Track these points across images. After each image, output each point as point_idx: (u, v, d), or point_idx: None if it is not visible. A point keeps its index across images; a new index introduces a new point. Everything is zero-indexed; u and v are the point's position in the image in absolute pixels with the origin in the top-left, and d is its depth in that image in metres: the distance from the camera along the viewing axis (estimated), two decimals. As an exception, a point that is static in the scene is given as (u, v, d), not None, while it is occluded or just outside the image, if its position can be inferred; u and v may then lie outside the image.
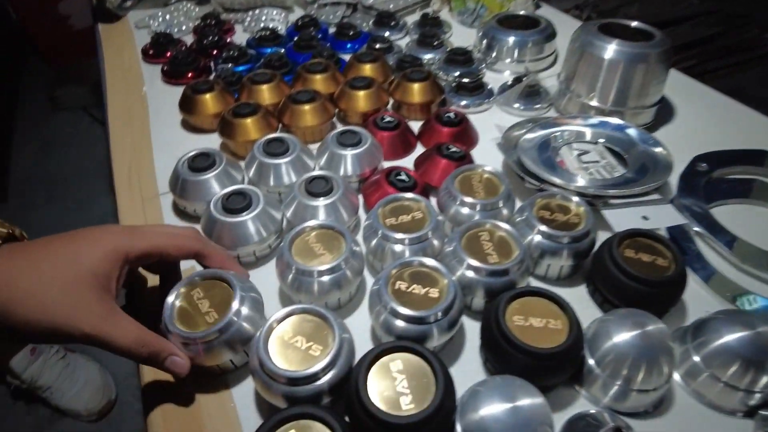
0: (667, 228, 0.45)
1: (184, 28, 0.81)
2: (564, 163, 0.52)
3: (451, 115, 0.56)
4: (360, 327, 0.39)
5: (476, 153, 0.56)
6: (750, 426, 0.34)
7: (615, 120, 0.54)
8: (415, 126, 0.59)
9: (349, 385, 0.31)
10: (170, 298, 0.35)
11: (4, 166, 1.91)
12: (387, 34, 0.77)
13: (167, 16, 0.83)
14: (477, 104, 0.61)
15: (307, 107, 0.55)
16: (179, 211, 0.49)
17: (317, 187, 0.44)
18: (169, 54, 0.72)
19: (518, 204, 0.47)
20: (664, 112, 0.61)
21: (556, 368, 0.33)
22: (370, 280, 0.43)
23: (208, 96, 0.57)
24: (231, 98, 0.60)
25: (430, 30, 0.72)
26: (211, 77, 0.69)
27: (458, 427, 0.30)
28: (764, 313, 0.39)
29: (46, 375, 1.09)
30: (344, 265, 0.38)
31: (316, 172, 0.46)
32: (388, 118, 0.55)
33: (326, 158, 0.50)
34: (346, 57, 0.72)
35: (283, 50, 0.70)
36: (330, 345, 0.32)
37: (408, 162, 0.55)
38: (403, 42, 0.76)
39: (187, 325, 0.34)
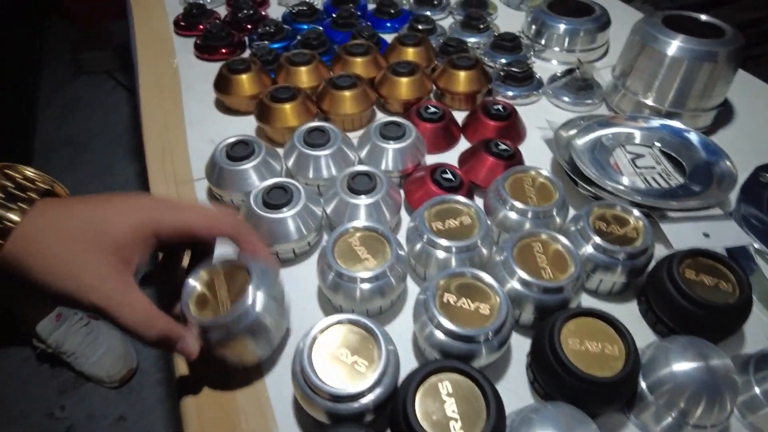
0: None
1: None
2: (618, 166, 0.49)
3: (500, 107, 0.53)
4: (402, 334, 0.37)
5: (523, 149, 0.53)
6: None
7: (675, 123, 0.51)
8: (459, 116, 0.57)
9: (395, 404, 0.30)
10: (190, 281, 0.33)
11: (29, 130, 1.92)
12: (429, 13, 0.73)
13: (199, -15, 0.79)
14: (525, 95, 0.58)
15: (347, 94, 0.52)
16: (215, 199, 0.47)
17: (360, 183, 0.42)
18: (201, 27, 0.70)
19: (571, 210, 0.45)
20: (724, 114, 0.57)
21: (611, 397, 0.32)
22: (410, 283, 0.41)
23: (244, 77, 0.54)
24: (268, 79, 0.57)
25: (476, 12, 0.68)
26: (246, 54, 0.67)
27: (510, 457, 0.29)
28: (832, 345, 0.37)
29: (70, 340, 1.11)
30: (389, 272, 0.36)
31: (359, 168, 0.44)
32: (432, 109, 0.52)
33: (368, 150, 0.48)
34: (386, 37, 0.69)
35: (320, 28, 0.67)
36: (376, 361, 0.31)
37: (451, 155, 0.52)
38: (446, 23, 0.73)
39: (203, 310, 0.33)
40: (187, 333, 0.31)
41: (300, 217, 0.40)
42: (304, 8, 0.70)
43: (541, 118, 0.57)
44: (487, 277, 0.35)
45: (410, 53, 0.59)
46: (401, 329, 0.38)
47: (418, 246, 0.39)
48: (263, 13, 0.74)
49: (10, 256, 0.27)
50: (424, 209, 0.40)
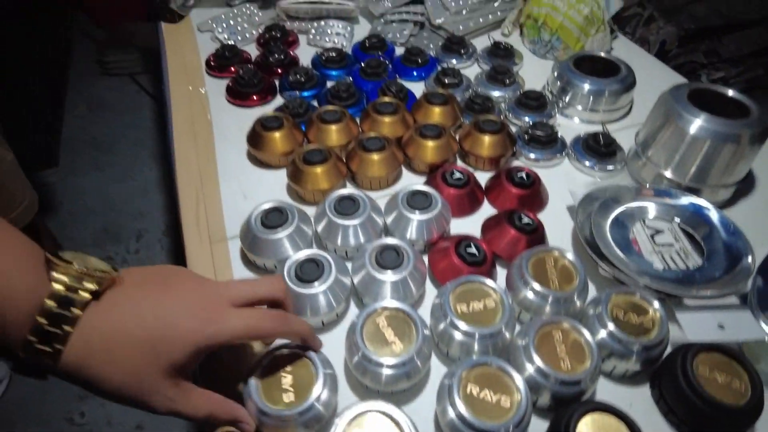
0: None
1: (247, 35, 0.80)
2: (637, 242, 0.50)
3: (524, 175, 0.54)
4: (422, 413, 0.39)
5: (546, 214, 0.55)
6: None
7: (695, 200, 0.52)
8: (483, 176, 0.58)
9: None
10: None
11: (55, 129, 1.96)
12: (454, 62, 0.74)
13: (231, 22, 0.82)
14: (548, 158, 0.60)
15: (376, 157, 0.54)
16: (247, 260, 0.49)
17: (388, 258, 0.44)
18: (233, 69, 0.72)
19: (592, 288, 0.46)
20: (746, 184, 0.58)
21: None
22: (433, 358, 0.43)
23: (277, 134, 0.57)
24: (300, 134, 0.59)
25: (502, 65, 0.69)
26: (277, 99, 0.69)
27: None
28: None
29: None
30: (416, 357, 0.38)
31: (387, 241, 0.46)
32: (457, 175, 0.54)
33: (394, 217, 0.50)
34: (414, 86, 0.71)
35: (350, 78, 0.69)
36: None
37: (475, 219, 0.54)
38: (472, 71, 0.74)
39: (267, 396, 0.35)
40: (246, 413, 0.34)
41: (331, 290, 0.43)
42: (333, 54, 0.72)
43: (563, 181, 0.58)
44: (511, 370, 0.37)
45: (437, 112, 0.61)
46: (423, 405, 0.40)
47: (442, 326, 0.41)
48: (293, 53, 0.76)
49: (69, 361, 0.29)
50: (450, 290, 0.42)
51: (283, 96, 0.68)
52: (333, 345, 0.42)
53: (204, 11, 0.88)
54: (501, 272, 0.49)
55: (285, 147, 0.57)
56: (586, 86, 0.64)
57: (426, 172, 0.59)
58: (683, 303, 0.44)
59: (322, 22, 0.81)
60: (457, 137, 0.60)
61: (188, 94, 0.72)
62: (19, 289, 0.28)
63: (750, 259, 0.46)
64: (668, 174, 0.55)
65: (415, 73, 0.72)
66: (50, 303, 0.28)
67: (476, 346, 0.40)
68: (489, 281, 0.43)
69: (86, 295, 0.29)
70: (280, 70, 0.72)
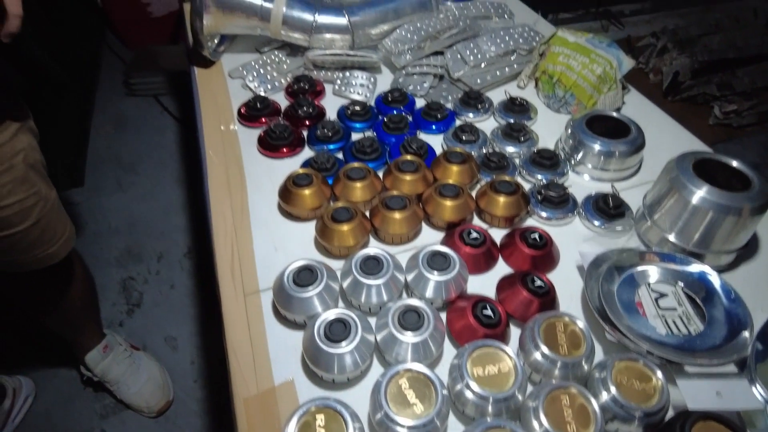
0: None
1: (276, 84, 0.85)
2: (641, 305, 0.53)
3: (536, 237, 0.58)
4: (440, 470, 0.43)
5: (558, 274, 0.59)
6: None
7: (697, 265, 0.55)
8: (498, 233, 0.62)
9: None
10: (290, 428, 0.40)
11: (82, 149, 2.04)
12: (472, 115, 0.78)
13: (261, 70, 0.87)
14: (560, 218, 0.63)
15: (398, 216, 0.58)
16: (278, 314, 0.53)
17: (409, 320, 0.48)
18: (264, 120, 0.77)
19: (599, 350, 0.50)
20: (749, 247, 0.61)
21: None
22: (453, 420, 0.47)
23: (307, 191, 0.61)
24: (327, 189, 0.64)
25: (517, 123, 0.73)
26: (305, 153, 0.73)
27: None
28: None
29: (114, 370, 1.19)
30: (435, 418, 0.41)
31: (409, 302, 0.49)
32: (474, 234, 0.58)
33: (414, 276, 0.53)
34: (432, 138, 0.75)
35: (373, 132, 0.74)
36: None
37: (491, 276, 0.57)
38: (489, 124, 0.78)
39: None
40: None
41: (357, 350, 0.46)
42: (358, 108, 0.76)
43: (574, 240, 0.62)
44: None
45: (455, 171, 0.65)
46: (440, 463, 0.43)
47: (459, 386, 0.45)
48: (320, 104, 0.81)
49: None
50: (467, 353, 0.46)
51: (312, 149, 0.73)
52: (358, 399, 0.46)
53: (235, 56, 0.94)
54: (515, 330, 0.53)
55: (314, 203, 0.62)
56: (597, 147, 0.68)
57: (444, 228, 0.62)
58: (684, 369, 0.47)
59: (347, 73, 0.86)
60: (474, 194, 0.64)
61: (221, 134, 0.78)
62: None
63: (748, 330, 0.49)
64: (673, 238, 0.58)
65: (434, 127, 0.76)
66: None
67: (490, 408, 0.43)
68: (504, 346, 0.46)
69: None
70: (308, 122, 0.76)
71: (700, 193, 0.55)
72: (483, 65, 0.83)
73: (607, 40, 0.81)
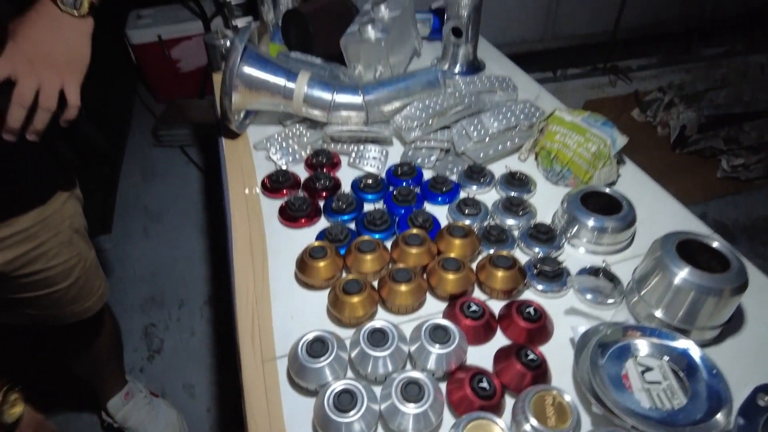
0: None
1: (297, 157, 0.93)
2: (628, 378, 0.57)
3: (531, 311, 0.63)
4: None
5: (552, 346, 0.63)
6: None
7: (682, 341, 0.59)
8: (496, 303, 0.67)
9: None
10: None
11: (111, 197, 2.15)
12: (475, 188, 0.85)
13: (283, 144, 0.95)
14: (555, 291, 0.68)
15: (403, 288, 0.64)
16: (292, 381, 0.59)
17: (411, 392, 0.53)
18: (285, 192, 0.84)
19: (586, 421, 0.54)
20: (734, 321, 0.65)
21: None
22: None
23: (321, 263, 0.67)
24: (340, 260, 0.70)
25: (516, 198, 0.79)
26: (321, 222, 0.80)
27: None
28: None
29: (135, 416, 1.24)
30: (431, 488, 0.46)
31: (412, 375, 0.54)
32: (474, 307, 0.63)
33: (417, 347, 0.58)
34: (438, 209, 0.81)
35: (384, 204, 0.80)
36: None
37: (490, 347, 0.62)
38: (491, 196, 0.84)
39: None
40: None
41: (363, 418, 0.51)
42: (370, 181, 0.84)
43: (567, 312, 0.66)
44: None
45: (457, 244, 0.71)
46: None
47: (455, 456, 0.49)
48: (335, 176, 0.88)
49: None
50: (462, 425, 0.50)
51: (328, 219, 0.80)
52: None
53: (260, 128, 1.03)
54: (510, 400, 0.57)
55: (327, 273, 0.68)
56: (591, 222, 0.73)
57: (447, 298, 0.68)
58: (666, 445, 0.51)
59: (362, 146, 0.94)
60: (475, 267, 0.70)
61: (245, 199, 0.85)
62: None
63: (726, 408, 0.52)
64: (659, 314, 0.63)
65: (440, 199, 0.83)
66: None
67: (483, 479, 0.47)
68: (497, 419, 0.51)
69: None
70: (325, 194, 0.84)
71: (682, 274, 0.60)
72: (486, 140, 0.90)
73: (603, 118, 0.88)
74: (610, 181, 0.85)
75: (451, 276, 0.66)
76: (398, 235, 0.72)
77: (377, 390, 0.55)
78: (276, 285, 0.71)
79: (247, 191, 0.87)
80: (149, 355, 1.53)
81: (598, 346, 0.59)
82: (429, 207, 0.82)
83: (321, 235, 0.76)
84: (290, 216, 0.79)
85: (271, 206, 0.84)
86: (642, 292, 0.65)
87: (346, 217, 0.79)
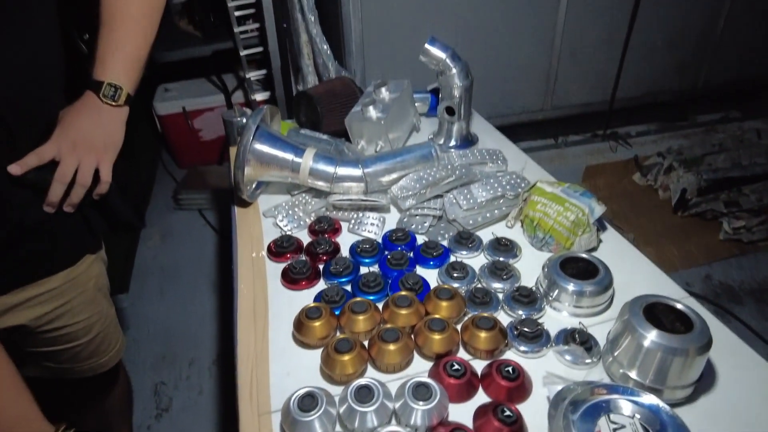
0: None
1: (302, 223, 1.02)
2: (602, 436, 0.61)
3: (510, 370, 0.67)
4: None
5: (529, 404, 0.67)
6: None
7: (651, 399, 0.62)
8: (479, 363, 0.72)
9: None
10: None
11: (130, 258, 2.26)
12: (464, 253, 0.91)
13: (290, 211, 1.04)
14: (535, 351, 0.73)
15: (392, 347, 0.69)
16: (285, 434, 0.63)
17: (393, 446, 0.57)
18: (288, 256, 0.92)
19: (556, 481, 0.57)
20: (707, 381, 0.68)
21: None
22: None
23: (317, 324, 0.73)
24: (334, 320, 0.76)
25: (501, 262, 0.86)
26: (320, 285, 0.87)
27: None
28: None
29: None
30: None
31: (393, 428, 0.59)
32: (456, 366, 0.68)
33: (401, 404, 0.63)
34: (429, 272, 0.87)
35: (378, 269, 0.87)
36: None
37: (469, 407, 0.66)
38: (479, 260, 0.91)
39: None
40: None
41: (346, 470, 0.55)
42: (367, 246, 0.91)
43: (545, 371, 0.70)
44: None
45: (444, 306, 0.76)
46: None
47: (432, 508, 0.52)
48: (335, 241, 0.96)
49: None
50: (438, 477, 0.54)
51: (326, 282, 0.86)
52: None
53: (270, 197, 1.12)
54: (488, 456, 0.60)
55: (322, 333, 0.74)
56: (570, 287, 0.79)
57: (433, 357, 0.73)
58: (633, 501, 0.54)
59: (361, 214, 1.02)
60: (459, 328, 0.75)
61: (252, 261, 0.93)
62: None
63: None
64: (632, 374, 0.67)
65: (431, 263, 0.89)
66: None
67: None
68: (469, 472, 0.54)
69: None
70: (325, 258, 0.91)
71: (650, 337, 0.64)
72: (475, 208, 0.98)
73: (581, 189, 0.95)
74: (590, 247, 0.91)
75: (436, 336, 0.71)
76: (389, 297, 0.78)
77: (363, 449, 0.60)
78: (275, 344, 0.76)
79: (254, 254, 0.95)
80: (157, 414, 1.56)
81: (570, 404, 0.63)
82: (420, 270, 0.89)
83: (318, 297, 0.82)
84: (291, 279, 0.86)
85: (275, 269, 0.91)
86: (615, 353, 0.69)
87: (343, 280, 0.86)
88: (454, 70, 1.17)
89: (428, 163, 1.08)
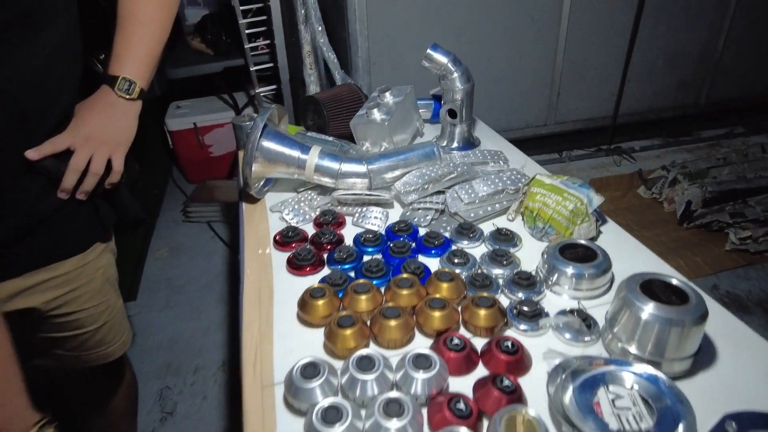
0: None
1: (307, 217, 1.04)
2: (599, 405, 0.61)
3: (509, 344, 0.68)
4: None
5: (530, 378, 0.67)
6: None
7: (649, 370, 0.63)
8: (479, 341, 0.73)
9: None
10: None
11: (139, 268, 2.28)
12: (465, 243, 0.93)
13: (296, 206, 1.06)
14: (534, 330, 0.74)
15: (393, 323, 0.71)
16: (287, 403, 0.64)
17: (392, 409, 0.58)
18: (294, 245, 0.94)
19: (554, 445, 0.57)
20: (706, 358, 0.69)
21: None
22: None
23: (320, 302, 0.75)
24: (337, 301, 0.77)
25: (501, 249, 0.87)
26: (324, 271, 0.89)
27: None
28: None
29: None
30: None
31: (393, 395, 0.60)
32: (456, 341, 0.69)
33: (402, 375, 0.64)
34: (430, 261, 0.89)
35: (380, 255, 0.89)
36: None
37: (469, 380, 0.67)
38: (479, 250, 0.92)
39: None
40: None
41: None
42: (370, 236, 0.93)
43: (545, 349, 0.71)
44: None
45: (444, 287, 0.78)
46: None
47: (431, 468, 0.53)
48: (340, 233, 0.98)
49: None
50: (437, 438, 0.55)
51: (330, 268, 0.88)
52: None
53: (277, 194, 1.15)
54: (486, 425, 0.61)
55: (325, 311, 0.75)
56: (569, 270, 0.80)
57: (433, 336, 0.74)
58: (630, 462, 0.54)
59: (365, 208, 1.04)
60: (460, 308, 0.76)
61: (258, 256, 0.95)
62: None
63: (689, 424, 0.56)
64: (631, 349, 0.67)
65: (433, 252, 0.91)
66: None
67: (454, 487, 0.51)
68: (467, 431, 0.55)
69: None
70: (329, 247, 0.93)
71: (647, 310, 0.65)
72: (476, 202, 1.00)
73: (579, 181, 0.97)
74: (589, 236, 0.93)
75: (437, 314, 0.73)
76: (391, 280, 0.80)
77: (363, 412, 0.60)
78: (279, 325, 0.78)
79: (260, 251, 0.97)
80: (162, 418, 1.56)
81: (569, 375, 0.63)
82: (422, 258, 0.91)
83: (322, 281, 0.84)
84: (296, 265, 0.88)
85: (280, 258, 0.93)
86: (614, 330, 0.70)
87: (346, 266, 0.88)
88: (455, 74, 1.21)
89: (430, 161, 1.11)
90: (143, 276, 2.27)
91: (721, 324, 0.74)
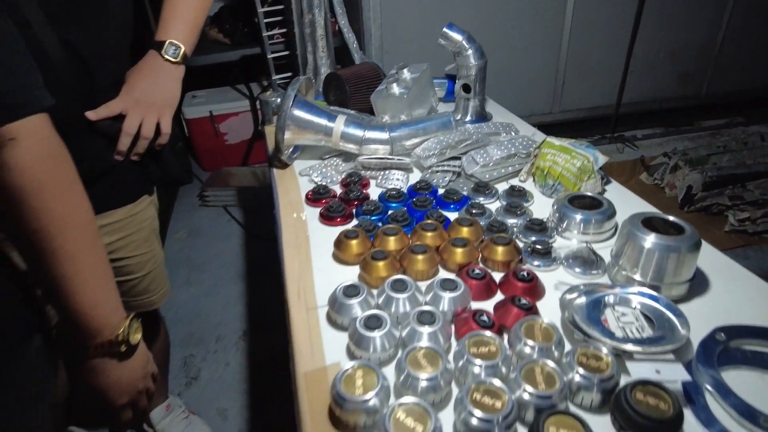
0: (684, 382, 0.61)
1: (334, 179, 1.13)
2: (607, 321, 0.69)
3: (525, 273, 0.77)
4: (445, 421, 0.58)
5: (542, 304, 0.76)
6: None
7: (649, 291, 0.72)
8: (497, 275, 0.81)
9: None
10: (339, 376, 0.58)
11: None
12: (481, 199, 1.02)
13: (322, 170, 1.15)
14: (546, 266, 0.82)
15: (420, 257, 0.79)
16: (330, 320, 0.73)
17: (425, 318, 0.66)
18: (324, 201, 1.02)
19: (567, 346, 0.66)
20: (700, 287, 0.77)
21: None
22: (455, 388, 0.62)
23: (354, 242, 0.84)
24: (368, 242, 0.86)
25: (515, 201, 0.96)
26: (353, 221, 0.97)
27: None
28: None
29: (173, 429, 1.34)
30: (440, 377, 0.58)
31: (425, 308, 0.68)
32: (477, 271, 0.78)
33: (431, 296, 0.73)
34: (450, 214, 0.98)
35: (404, 208, 0.98)
36: (428, 424, 0.52)
37: (489, 304, 0.75)
38: (494, 206, 1.01)
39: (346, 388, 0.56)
40: None
41: (386, 336, 0.65)
42: (394, 192, 1.01)
43: (556, 282, 0.80)
44: (501, 384, 0.56)
45: (464, 231, 0.86)
46: (446, 417, 0.59)
47: (460, 363, 0.61)
48: (365, 191, 1.06)
49: None
50: (466, 338, 0.63)
51: (358, 219, 0.97)
52: (387, 372, 0.63)
53: (304, 162, 1.24)
54: (506, 338, 0.69)
55: (358, 250, 0.84)
56: (578, 216, 0.89)
57: (456, 270, 0.82)
58: (633, 357, 0.62)
59: (387, 172, 1.13)
60: (479, 248, 0.85)
61: (293, 219, 1.03)
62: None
63: (684, 331, 0.64)
64: (635, 276, 0.76)
65: (452, 206, 1.00)
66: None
67: (483, 374, 0.60)
68: (492, 334, 0.64)
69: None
70: (356, 203, 1.02)
71: (649, 240, 0.74)
72: (491, 164, 1.09)
73: (586, 143, 1.05)
74: (596, 192, 1.01)
75: (459, 250, 0.81)
76: (417, 225, 0.89)
77: (400, 327, 0.69)
78: (316, 263, 0.87)
79: (294, 215, 1.05)
80: (187, 382, 1.64)
81: (579, 295, 0.72)
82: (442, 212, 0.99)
83: (355, 227, 0.92)
84: (328, 216, 0.97)
85: (313, 213, 1.02)
86: (620, 262, 0.78)
87: (374, 218, 0.96)
88: (469, 51, 1.30)
89: (447, 130, 1.19)
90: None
91: (715, 262, 0.83)
